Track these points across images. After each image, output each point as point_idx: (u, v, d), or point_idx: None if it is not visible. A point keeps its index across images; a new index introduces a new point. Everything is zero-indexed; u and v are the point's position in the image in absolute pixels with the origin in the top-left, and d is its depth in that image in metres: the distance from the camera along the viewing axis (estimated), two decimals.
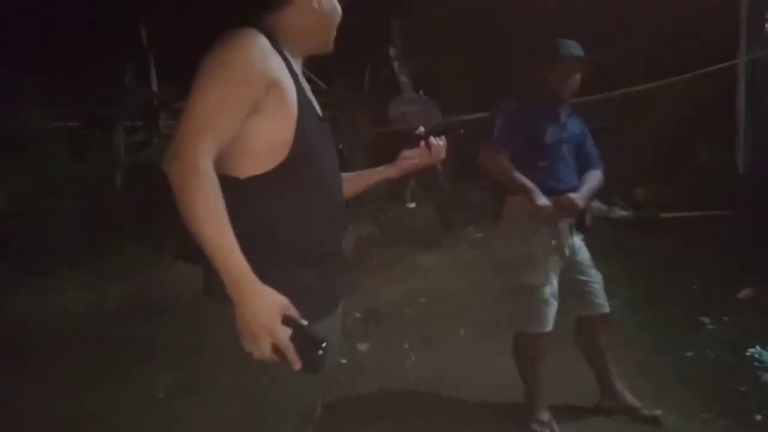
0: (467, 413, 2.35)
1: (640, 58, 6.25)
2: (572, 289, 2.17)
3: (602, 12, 5.48)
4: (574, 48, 2.13)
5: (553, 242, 2.08)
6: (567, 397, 2.39)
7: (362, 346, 3.06)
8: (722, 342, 2.98)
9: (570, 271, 2.15)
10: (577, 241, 2.18)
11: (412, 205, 5.92)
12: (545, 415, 2.17)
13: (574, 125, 2.23)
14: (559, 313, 2.16)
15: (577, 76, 2.14)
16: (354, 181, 1.42)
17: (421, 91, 5.66)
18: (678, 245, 4.88)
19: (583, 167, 2.21)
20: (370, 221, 5.13)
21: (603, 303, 2.20)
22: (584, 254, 2.21)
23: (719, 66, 5.16)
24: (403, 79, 5.89)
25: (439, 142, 1.47)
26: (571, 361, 2.47)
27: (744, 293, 3.64)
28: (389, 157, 1.49)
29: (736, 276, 3.96)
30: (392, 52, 5.88)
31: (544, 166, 2.09)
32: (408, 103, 5.62)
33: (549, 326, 2.12)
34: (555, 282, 2.11)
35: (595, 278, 2.19)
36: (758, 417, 2.24)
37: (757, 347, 2.81)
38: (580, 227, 2.16)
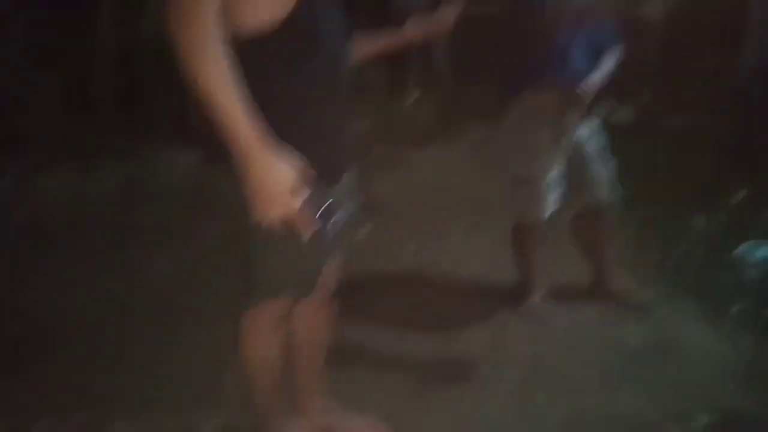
0: (462, 296, 2.45)
1: None
2: (577, 178, 2.15)
3: None
4: None
5: (559, 134, 2.03)
6: (558, 281, 2.46)
7: (357, 235, 3.10)
8: (712, 241, 3.08)
9: (577, 159, 2.12)
10: (587, 130, 2.13)
11: (411, 100, 5.77)
12: (537, 296, 2.26)
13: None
14: (563, 200, 2.17)
15: None
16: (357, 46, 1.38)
17: None
18: (679, 148, 4.90)
19: (598, 49, 2.06)
20: (366, 116, 5.02)
21: (605, 194, 2.19)
22: (594, 143, 2.15)
23: None
24: None
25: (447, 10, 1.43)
26: (563, 246, 2.52)
27: (737, 196, 3.71)
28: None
29: (732, 180, 4.02)
30: None
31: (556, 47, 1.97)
32: None
33: (545, 216, 2.13)
34: (556, 173, 2.09)
35: (601, 169, 2.16)
36: (734, 309, 2.35)
37: (744, 245, 2.90)
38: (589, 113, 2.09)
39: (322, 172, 1.17)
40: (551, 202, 2.12)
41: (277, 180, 1.05)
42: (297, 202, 1.08)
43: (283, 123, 1.10)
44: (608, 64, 2.04)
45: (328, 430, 1.72)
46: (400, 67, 5.56)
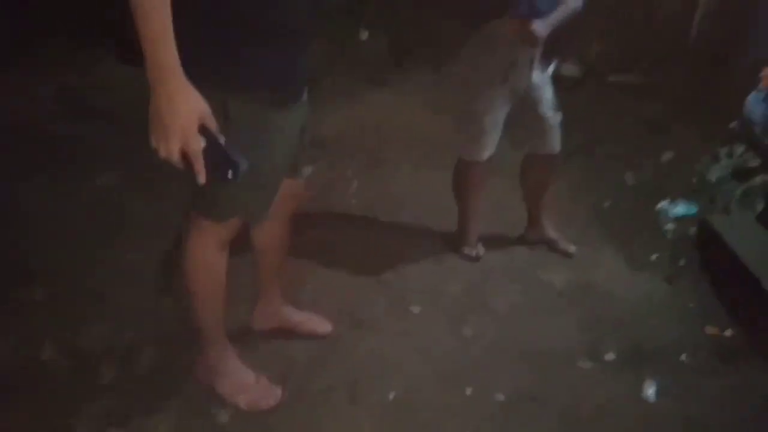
0: (398, 237, 2.51)
1: None
2: (527, 124, 2.20)
3: None
4: None
5: (507, 73, 2.03)
6: (496, 225, 2.58)
7: (306, 170, 3.09)
8: (638, 195, 3.29)
9: (526, 106, 2.15)
10: (540, 76, 2.14)
11: (365, 35, 5.59)
12: (474, 240, 2.36)
13: None
14: (506, 145, 2.23)
15: None
16: None
17: None
18: (621, 104, 5.08)
19: None
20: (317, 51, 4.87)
21: (553, 143, 2.24)
22: (546, 92, 2.17)
23: None
24: None
25: None
26: (506, 192, 2.65)
27: (665, 156, 3.94)
28: None
29: (662, 141, 4.26)
30: None
31: None
32: None
33: (485, 156, 2.17)
34: (500, 113, 2.11)
35: (551, 118, 2.19)
36: (653, 257, 2.56)
37: (665, 202, 3.12)
38: (547, 58, 2.11)
39: (286, 86, 1.15)
40: (493, 142, 2.16)
41: (184, 111, 1.00)
42: (197, 142, 1.02)
43: (241, 27, 1.07)
44: (567, 9, 2.01)
45: (283, 323, 1.87)
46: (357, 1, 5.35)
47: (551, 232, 2.46)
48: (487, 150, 2.16)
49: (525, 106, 2.14)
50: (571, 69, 5.52)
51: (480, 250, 2.36)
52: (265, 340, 1.88)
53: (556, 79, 5.83)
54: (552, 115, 2.19)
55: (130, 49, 1.01)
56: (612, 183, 3.48)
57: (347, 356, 1.89)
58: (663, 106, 4.75)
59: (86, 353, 1.80)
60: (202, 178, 1.03)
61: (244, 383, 1.66)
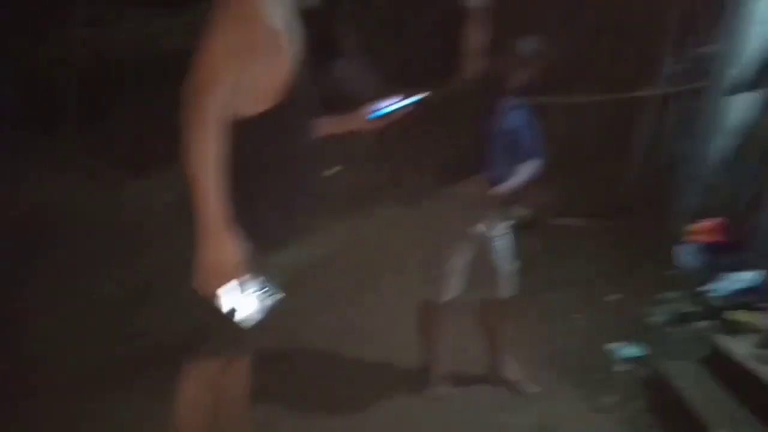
0: (365, 373, 2.52)
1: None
2: (483, 270, 2.34)
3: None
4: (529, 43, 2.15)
5: (470, 225, 2.23)
6: (459, 364, 2.62)
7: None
8: (588, 337, 3.44)
9: (485, 253, 2.31)
10: (500, 227, 2.33)
11: (338, 168, 5.83)
12: (439, 379, 2.40)
13: (514, 118, 2.26)
14: (466, 288, 2.35)
15: (525, 71, 2.18)
16: None
17: (363, 58, 5.64)
18: (563, 249, 5.43)
19: (521, 159, 2.28)
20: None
21: (508, 289, 2.38)
22: (504, 241, 2.36)
23: (641, 93, 5.64)
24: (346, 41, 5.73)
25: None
26: (468, 332, 2.71)
27: (612, 297, 4.18)
28: None
29: (608, 282, 4.53)
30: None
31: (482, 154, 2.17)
32: (348, 69, 5.56)
33: (447, 297, 2.28)
34: (462, 258, 2.25)
35: (507, 265, 2.36)
36: (608, 399, 2.63)
37: (616, 343, 3.27)
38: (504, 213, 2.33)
39: (274, 238, 1.30)
40: (454, 285, 2.28)
41: (225, 259, 1.17)
42: (234, 282, 1.20)
43: (258, 190, 1.25)
44: (527, 173, 2.29)
45: None
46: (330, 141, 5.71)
47: (512, 373, 2.53)
48: (450, 292, 2.29)
49: (483, 253, 2.32)
50: (520, 212, 5.97)
51: (443, 389, 2.39)
52: None
53: (508, 219, 6.17)
54: (507, 264, 2.36)
55: None
56: (564, 324, 3.66)
57: None
58: (607, 250, 5.15)
59: None
60: (225, 311, 1.21)
61: None
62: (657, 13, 5.52)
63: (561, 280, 4.49)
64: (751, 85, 3.62)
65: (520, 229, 5.69)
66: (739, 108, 3.80)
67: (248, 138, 1.22)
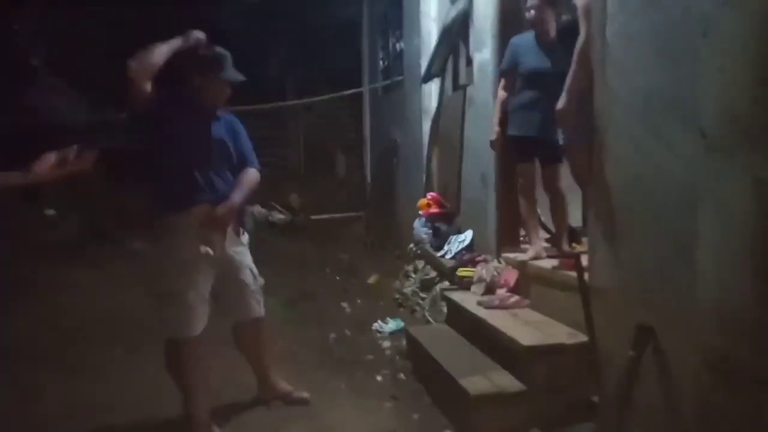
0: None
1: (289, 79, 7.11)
2: (229, 293, 2.26)
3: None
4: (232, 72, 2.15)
5: (202, 249, 2.11)
6: (227, 395, 2.48)
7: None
8: (357, 321, 3.64)
9: (227, 276, 2.22)
10: (236, 246, 2.25)
11: (51, 212, 5.13)
12: (206, 421, 2.22)
13: (219, 129, 2.20)
14: (217, 314, 2.25)
15: (226, 91, 2.19)
16: None
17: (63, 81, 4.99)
18: (325, 242, 5.71)
19: (237, 168, 2.23)
20: None
21: (258, 308, 2.33)
22: (244, 259, 2.28)
23: (349, 92, 6.18)
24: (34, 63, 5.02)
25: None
26: (230, 361, 2.58)
27: (372, 279, 4.52)
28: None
29: (367, 265, 4.89)
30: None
31: (189, 175, 2.09)
32: (45, 93, 4.86)
33: (196, 330, 2.15)
34: (202, 287, 2.15)
35: (251, 284, 2.28)
36: (378, 378, 2.80)
37: (378, 321, 3.53)
38: (238, 230, 2.24)
39: None
40: (203, 315, 2.16)
41: None
42: None
43: None
44: (246, 185, 2.23)
45: None
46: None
47: (282, 386, 2.50)
48: (198, 324, 2.15)
49: (226, 276, 2.22)
50: (279, 216, 6.09)
51: (213, 428, 2.24)
52: None
53: (270, 225, 6.35)
54: (252, 281, 2.30)
55: None
56: (333, 315, 3.81)
57: None
58: (357, 238, 5.56)
59: None
60: None
61: None
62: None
63: (325, 274, 4.73)
64: (434, 74, 4.21)
65: (281, 229, 5.91)
66: (432, 94, 4.41)
67: None
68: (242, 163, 2.26)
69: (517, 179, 2.81)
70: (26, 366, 2.76)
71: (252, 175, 2.26)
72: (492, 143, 2.91)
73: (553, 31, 2.67)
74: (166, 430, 2.28)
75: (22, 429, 2.28)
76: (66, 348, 3.06)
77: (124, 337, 3.11)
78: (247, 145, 2.31)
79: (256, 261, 2.38)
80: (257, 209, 5.82)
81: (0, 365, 2.48)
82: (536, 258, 2.72)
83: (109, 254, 4.54)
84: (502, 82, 2.87)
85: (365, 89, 6.18)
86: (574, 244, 2.76)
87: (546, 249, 2.82)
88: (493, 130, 2.86)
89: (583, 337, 2.05)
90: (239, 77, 2.15)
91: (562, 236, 2.72)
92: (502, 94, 2.86)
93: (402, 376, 2.82)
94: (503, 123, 2.81)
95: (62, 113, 4.75)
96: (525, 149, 2.73)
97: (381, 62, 5.87)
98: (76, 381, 2.70)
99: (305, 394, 2.50)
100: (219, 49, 2.15)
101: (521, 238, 3.18)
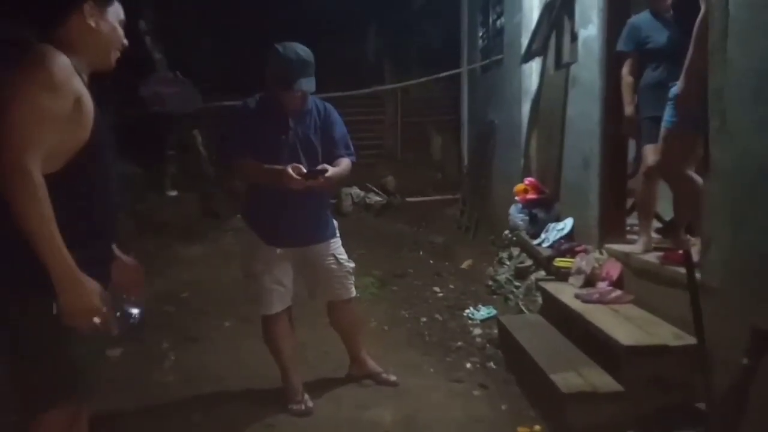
0: (226, 407, 2.39)
1: (387, 61, 7.15)
2: (313, 279, 2.36)
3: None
4: (303, 80, 2.13)
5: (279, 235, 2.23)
6: (321, 371, 2.62)
7: (114, 351, 2.87)
8: (448, 305, 3.63)
9: (307, 265, 2.32)
10: (331, 229, 2.35)
11: (174, 193, 5.62)
12: (299, 392, 2.35)
13: (307, 127, 2.26)
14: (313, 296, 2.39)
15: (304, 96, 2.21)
16: None
17: (177, 72, 5.40)
18: (419, 225, 5.72)
19: (329, 158, 2.26)
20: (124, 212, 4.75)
21: (343, 291, 2.40)
22: (332, 246, 2.34)
23: (447, 73, 6.06)
24: (157, 56, 5.46)
25: None
26: (326, 339, 2.73)
27: (466, 264, 4.46)
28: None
29: (460, 249, 4.84)
30: (143, 25, 5.35)
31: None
32: (163, 83, 5.30)
33: (275, 309, 2.28)
34: (278, 273, 2.26)
35: (336, 269, 2.35)
36: (467, 365, 2.78)
37: (471, 308, 3.49)
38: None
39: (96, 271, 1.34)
40: (279, 296, 2.27)
41: (87, 298, 1.28)
42: (104, 312, 1.31)
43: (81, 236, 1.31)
44: (339, 170, 2.25)
45: None
46: None
47: (372, 366, 2.57)
48: (276, 304, 2.27)
49: (307, 264, 2.32)
50: (375, 198, 6.19)
51: (307, 402, 2.34)
52: None
53: (367, 207, 6.49)
54: (338, 266, 2.36)
55: None
56: (425, 299, 3.82)
57: None
58: (452, 221, 5.50)
59: None
60: (115, 332, 1.38)
61: None
62: None
63: (418, 257, 4.75)
64: (535, 52, 4.01)
65: (377, 211, 6.03)
66: (533, 73, 4.20)
67: (56, 190, 1.25)
68: (337, 152, 2.30)
69: (644, 163, 2.68)
70: (150, 335, 3.05)
71: (345, 163, 2.30)
72: (626, 128, 2.81)
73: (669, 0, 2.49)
74: (268, 396, 2.43)
75: (147, 392, 2.54)
76: (183, 318, 3.37)
77: (234, 309, 3.35)
78: (342, 133, 2.35)
79: (351, 242, 2.45)
80: (354, 191, 5.96)
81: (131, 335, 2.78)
82: (647, 251, 2.55)
83: (221, 232, 4.89)
84: (629, 63, 2.74)
85: (463, 69, 6.04)
86: (688, 236, 2.53)
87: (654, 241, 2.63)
88: (627, 115, 2.76)
89: (690, 339, 1.89)
90: (311, 88, 2.18)
91: (683, 225, 2.54)
92: (629, 78, 2.74)
93: (492, 364, 2.78)
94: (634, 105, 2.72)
95: (178, 101, 5.14)
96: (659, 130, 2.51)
97: (480, 41, 5.69)
98: (192, 349, 2.98)
99: (393, 378, 2.55)
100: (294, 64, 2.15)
101: (627, 228, 2.97)
